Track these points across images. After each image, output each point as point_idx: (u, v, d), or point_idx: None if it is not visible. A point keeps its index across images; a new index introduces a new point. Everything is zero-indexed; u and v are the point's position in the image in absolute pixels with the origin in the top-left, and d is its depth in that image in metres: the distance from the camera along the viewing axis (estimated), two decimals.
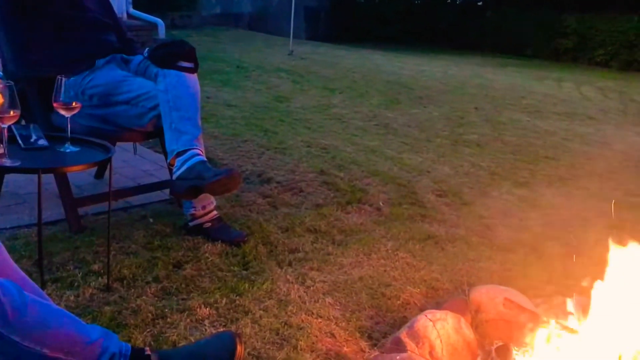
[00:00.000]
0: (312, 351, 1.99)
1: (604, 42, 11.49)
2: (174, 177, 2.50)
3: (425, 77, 8.29)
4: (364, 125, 5.25)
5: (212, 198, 2.72)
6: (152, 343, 1.93)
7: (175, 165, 2.49)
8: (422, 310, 2.24)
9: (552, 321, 2.08)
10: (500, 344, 2.10)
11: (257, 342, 1.99)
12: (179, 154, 2.49)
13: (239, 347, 1.67)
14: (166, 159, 2.67)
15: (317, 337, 2.07)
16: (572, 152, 4.99)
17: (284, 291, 2.33)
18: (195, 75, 2.58)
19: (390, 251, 2.82)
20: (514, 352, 2.03)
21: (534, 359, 1.99)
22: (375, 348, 2.11)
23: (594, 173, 4.34)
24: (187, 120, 2.48)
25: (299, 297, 2.31)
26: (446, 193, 3.75)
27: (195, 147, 2.48)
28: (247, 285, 2.33)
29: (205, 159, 2.51)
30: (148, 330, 1.99)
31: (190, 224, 2.70)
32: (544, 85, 8.59)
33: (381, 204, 3.40)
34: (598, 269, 2.08)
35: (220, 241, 2.63)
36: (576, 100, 7.58)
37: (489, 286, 2.47)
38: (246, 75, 6.97)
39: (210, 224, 2.68)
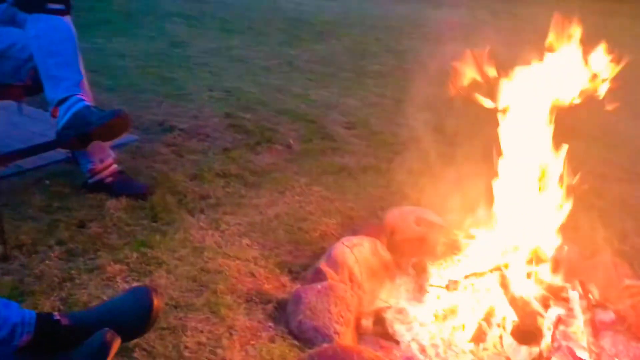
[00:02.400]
0: (232, 293, 1.96)
1: None
2: (59, 127, 2.31)
3: (324, 11, 8.18)
4: (267, 64, 5.13)
5: (109, 150, 2.57)
6: (62, 307, 1.82)
7: (59, 114, 2.29)
8: (339, 239, 2.25)
9: (463, 232, 2.16)
10: (416, 260, 2.16)
11: (174, 291, 1.93)
12: (60, 102, 2.27)
13: (155, 300, 1.60)
14: None
15: (236, 278, 2.04)
16: None
17: (198, 238, 2.26)
18: (68, 18, 2.34)
19: (304, 187, 2.80)
20: (429, 266, 2.10)
21: (447, 270, 2.07)
22: (296, 281, 2.11)
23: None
24: (65, 66, 2.27)
25: (215, 242, 2.25)
26: (355, 125, 3.76)
27: (77, 92, 2.28)
28: (158, 237, 2.24)
29: (90, 105, 2.32)
30: (55, 294, 1.88)
31: (90, 181, 2.54)
32: (440, 12, 8.72)
33: (291, 141, 3.36)
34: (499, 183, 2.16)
35: (124, 195, 2.49)
36: (472, 24, 7.75)
37: (401, 208, 2.52)
38: (137, 22, 6.55)
39: (111, 178, 2.54)
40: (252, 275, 2.09)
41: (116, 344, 1.43)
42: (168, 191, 2.60)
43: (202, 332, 1.76)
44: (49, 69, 2.26)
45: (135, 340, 1.65)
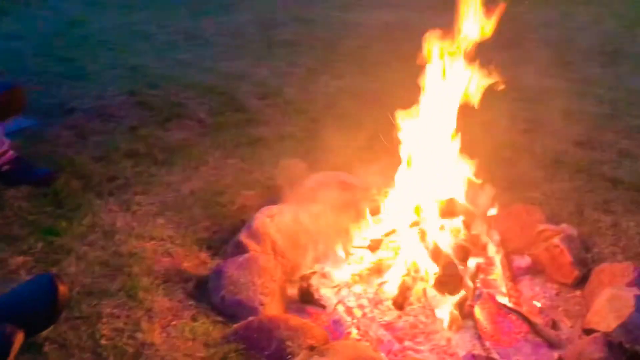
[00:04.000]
0: (149, 274, 1.86)
1: None
2: None
3: None
4: (173, 39, 4.92)
5: (3, 137, 2.37)
6: None
7: None
8: (259, 210, 2.19)
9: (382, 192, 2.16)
10: (338, 224, 2.14)
11: (86, 278, 1.81)
12: None
13: (60, 288, 1.48)
14: None
15: (152, 259, 1.94)
16: (381, 39, 5.14)
17: (109, 221, 2.14)
18: None
19: (219, 160, 2.71)
20: (351, 228, 2.08)
21: (369, 230, 2.07)
22: (217, 257, 2.04)
23: (401, 56, 4.51)
24: None
25: (127, 224, 2.14)
26: (268, 95, 3.68)
27: None
28: (64, 223, 2.09)
29: None
30: None
31: None
32: None
33: (202, 115, 3.24)
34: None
35: (25, 183, 2.31)
36: None
37: (322, 173, 2.49)
38: (27, 1, 6.11)
39: (8, 166, 2.35)
40: (169, 254, 2.00)
41: (18, 339, 1.32)
42: (73, 175, 2.44)
43: (118, 317, 1.67)
44: None
45: (44, 333, 1.53)
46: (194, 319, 1.71)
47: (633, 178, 2.69)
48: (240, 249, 1.98)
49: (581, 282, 2.02)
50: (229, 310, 1.75)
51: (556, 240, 2.08)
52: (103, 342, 1.57)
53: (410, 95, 3.31)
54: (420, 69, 2.24)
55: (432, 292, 1.85)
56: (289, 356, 1.56)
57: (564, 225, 2.21)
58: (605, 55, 4.76)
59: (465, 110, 2.15)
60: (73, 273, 1.83)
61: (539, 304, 1.94)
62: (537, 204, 2.40)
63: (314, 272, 1.96)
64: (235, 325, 1.67)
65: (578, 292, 2.02)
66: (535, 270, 2.10)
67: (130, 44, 4.67)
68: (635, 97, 3.78)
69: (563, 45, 5.15)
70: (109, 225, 2.11)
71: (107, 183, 2.42)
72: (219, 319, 1.73)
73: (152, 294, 1.77)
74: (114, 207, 2.23)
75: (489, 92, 2.15)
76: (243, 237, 2.01)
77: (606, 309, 1.73)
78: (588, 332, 1.75)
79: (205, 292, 1.84)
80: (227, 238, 2.14)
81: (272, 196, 2.43)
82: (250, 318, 1.68)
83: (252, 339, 1.62)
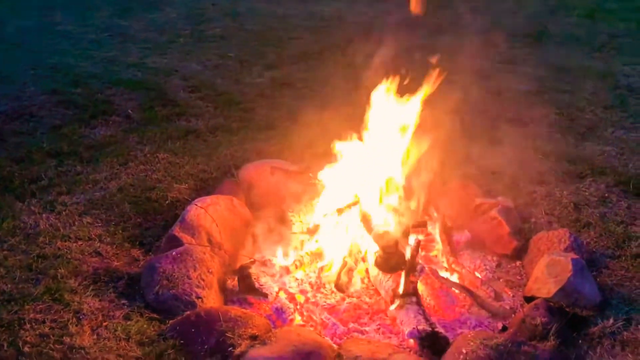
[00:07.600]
0: (76, 276, 1.74)
1: None
2: None
3: None
4: (97, 37, 4.72)
5: None
6: None
7: None
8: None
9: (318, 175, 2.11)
10: (276, 210, 2.08)
11: (7, 284, 1.68)
12: None
13: None
14: None
15: (79, 260, 1.83)
16: (312, 29, 5.10)
17: (31, 224, 2.00)
18: None
19: (148, 155, 2.59)
20: (289, 214, 2.03)
21: (308, 214, 2.02)
22: (150, 254, 1.94)
23: (334, 44, 4.50)
24: None
25: (50, 225, 2.00)
26: (199, 87, 3.58)
27: None
28: None
29: None
30: None
31: None
32: None
33: (130, 111, 3.10)
34: (346, 128, 2.12)
35: None
36: None
37: (255, 162, 2.42)
38: None
39: None
40: (98, 254, 1.88)
41: None
42: None
43: (43, 322, 1.55)
44: None
45: None
46: (126, 318, 1.61)
47: (564, 149, 2.75)
48: (174, 242, 1.88)
49: (520, 252, 2.04)
50: (164, 306, 1.66)
51: (493, 213, 2.09)
52: (26, 349, 1.45)
53: (342, 84, 3.29)
54: (351, 58, 2.20)
55: (374, 271, 1.82)
56: (230, 348, 1.49)
57: (500, 198, 2.22)
58: (531, 37, 4.89)
59: (402, 93, 2.13)
60: None
61: (480, 277, 1.94)
62: (474, 178, 2.41)
63: (253, 261, 1.89)
64: (171, 322, 1.59)
65: (518, 263, 2.03)
66: (475, 243, 2.10)
67: (51, 44, 4.46)
68: (560, 74, 3.89)
69: (491, 29, 5.26)
70: (31, 228, 1.97)
71: (29, 184, 2.27)
72: (154, 316, 1.64)
73: (81, 295, 1.66)
74: (37, 209, 2.09)
75: (424, 76, 2.13)
76: (176, 230, 1.92)
77: (545, 275, 1.74)
78: (529, 299, 1.76)
79: (138, 290, 1.74)
80: (160, 234, 2.04)
81: (207, 188, 2.35)
82: (187, 312, 1.60)
83: (190, 333, 1.54)
